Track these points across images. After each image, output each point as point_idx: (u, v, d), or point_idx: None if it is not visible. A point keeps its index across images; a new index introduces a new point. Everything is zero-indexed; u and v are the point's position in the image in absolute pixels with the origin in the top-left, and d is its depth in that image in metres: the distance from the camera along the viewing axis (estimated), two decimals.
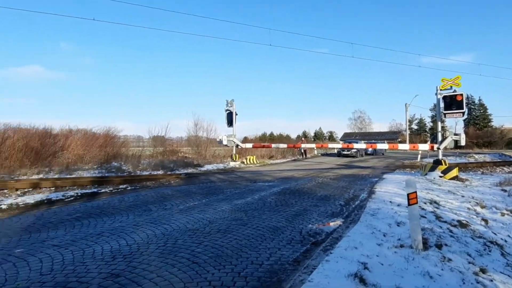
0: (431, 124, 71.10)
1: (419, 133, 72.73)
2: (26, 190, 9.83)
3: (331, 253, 4.28)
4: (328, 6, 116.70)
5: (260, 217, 6.40)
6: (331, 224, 5.99)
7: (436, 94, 13.75)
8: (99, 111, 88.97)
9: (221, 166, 18.18)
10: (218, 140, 20.75)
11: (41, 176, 12.93)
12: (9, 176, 12.30)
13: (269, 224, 5.88)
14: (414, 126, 76.57)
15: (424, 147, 16.92)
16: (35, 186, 10.24)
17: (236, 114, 19.98)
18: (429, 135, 66.72)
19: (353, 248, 4.44)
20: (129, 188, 10.28)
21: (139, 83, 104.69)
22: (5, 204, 7.82)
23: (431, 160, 14.85)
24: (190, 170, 15.35)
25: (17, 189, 9.83)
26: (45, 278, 3.65)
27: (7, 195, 9.00)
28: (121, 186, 10.50)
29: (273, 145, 22.13)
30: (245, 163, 20.19)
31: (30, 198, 8.49)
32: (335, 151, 33.32)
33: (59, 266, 3.99)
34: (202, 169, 16.56)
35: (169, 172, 13.43)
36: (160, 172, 14.14)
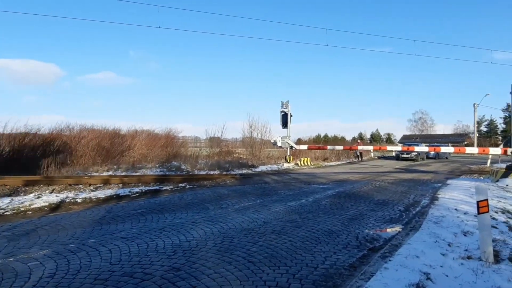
0: (504, 126, 64.80)
1: (489, 136, 66.71)
2: (98, 185, 10.75)
3: (390, 260, 4.13)
4: (387, 2, 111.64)
5: (314, 219, 6.36)
6: (389, 230, 5.77)
7: (510, 92, 12.55)
8: (162, 112, 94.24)
9: (275, 167, 18.29)
10: (272, 141, 20.89)
11: (110, 173, 14.07)
12: (84, 172, 13.55)
13: (324, 227, 5.81)
14: (484, 128, 70.40)
15: (495, 151, 15.52)
16: (106, 182, 11.17)
17: (291, 116, 19.94)
18: (501, 138, 60.87)
19: (415, 256, 4.24)
20: (187, 186, 10.77)
21: (199, 86, 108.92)
22: (80, 198, 8.64)
23: (504, 165, 13.57)
24: (244, 171, 15.66)
25: (90, 185, 10.80)
26: (114, 267, 3.98)
27: (81, 190, 9.92)
28: (180, 185, 11.04)
29: (328, 147, 21.76)
30: (299, 165, 20.08)
31: (101, 193, 9.29)
32: (394, 154, 31.82)
33: (126, 257, 4.33)
34: (257, 170, 16.81)
35: (224, 172, 13.86)
36: (216, 172, 14.63)
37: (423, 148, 20.90)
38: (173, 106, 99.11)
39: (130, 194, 9.32)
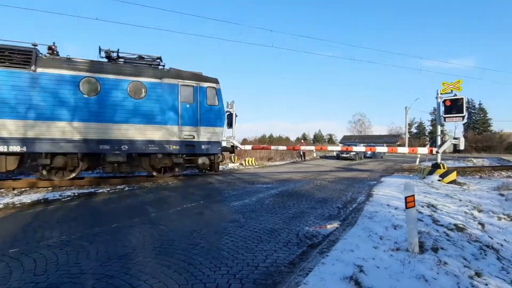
0: (431, 128, 71.23)
1: (419, 136, 72.90)
2: (23, 189, 9.82)
3: (327, 255, 4.28)
4: (329, 9, 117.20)
5: (257, 219, 6.40)
6: (328, 226, 5.99)
7: (436, 97, 13.75)
8: None
9: (219, 167, 18.14)
10: None
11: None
12: (7, 175, 12.29)
13: (266, 226, 5.87)
14: (414, 130, 76.77)
15: (423, 150, 16.94)
16: (33, 185, 10.27)
17: (236, 116, 19.96)
18: (428, 138, 66.79)
19: (350, 251, 4.44)
20: (126, 188, 10.24)
21: None
22: (1, 204, 7.82)
23: (430, 163, 14.86)
24: (187, 171, 15.33)
25: (14, 189, 9.86)
26: (38, 279, 3.64)
27: (3, 195, 8.99)
28: (118, 187, 10.46)
29: (272, 147, 22.06)
30: (244, 165, 20.22)
31: (27, 198, 8.49)
32: (334, 153, 33.42)
33: (53, 266, 3.98)
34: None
35: (167, 173, 13.41)
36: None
37: (360, 148, 22.23)
38: None
39: (61, 198, 8.62)
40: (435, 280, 3.63)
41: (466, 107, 14.20)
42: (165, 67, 12.72)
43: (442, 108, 13.50)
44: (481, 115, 69.83)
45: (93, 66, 11.21)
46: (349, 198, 8.61)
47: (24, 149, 10.15)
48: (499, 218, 7.34)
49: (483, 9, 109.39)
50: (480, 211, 7.83)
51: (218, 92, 13.16)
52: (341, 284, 3.49)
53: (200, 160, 12.98)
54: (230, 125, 19.85)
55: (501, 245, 5.50)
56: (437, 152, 14.09)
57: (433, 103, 14.04)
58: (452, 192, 10.02)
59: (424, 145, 18.18)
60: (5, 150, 9.92)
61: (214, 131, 13.04)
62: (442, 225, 6.14)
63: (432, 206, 7.75)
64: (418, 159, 25.42)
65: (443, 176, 12.65)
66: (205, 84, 12.95)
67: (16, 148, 10.05)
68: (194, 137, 12.58)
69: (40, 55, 10.75)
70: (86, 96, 10.94)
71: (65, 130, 10.65)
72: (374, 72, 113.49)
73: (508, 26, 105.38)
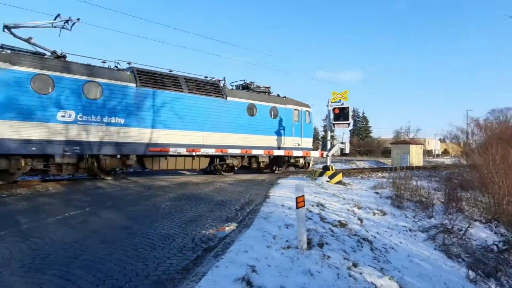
0: (323, 133, 78.26)
1: (313, 141, 79.28)
2: None
3: (221, 258, 4.26)
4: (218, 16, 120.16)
5: (151, 224, 6.05)
6: (226, 229, 6.00)
7: (327, 105, 15.13)
8: None
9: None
10: None
11: None
12: None
13: (160, 232, 5.59)
14: None
15: (315, 154, 18.47)
16: None
17: None
18: (320, 143, 73.21)
19: (244, 252, 4.49)
20: None
21: None
22: None
23: (321, 166, 16.24)
24: (69, 175, 13.77)
25: None
26: None
27: None
28: None
29: (170, 150, 21.44)
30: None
31: None
32: None
33: None
34: None
35: (47, 178, 11.83)
36: (36, 177, 12.31)
37: (259, 151, 23.14)
38: None
39: None
40: (319, 273, 3.91)
41: (352, 115, 15.98)
42: (274, 93, 17.89)
43: (332, 116, 14.92)
44: (364, 123, 79.53)
45: (252, 96, 16.28)
46: (247, 200, 8.81)
47: (218, 153, 14.57)
48: (374, 214, 8.38)
49: (368, 29, 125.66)
50: (359, 208, 8.82)
51: (310, 113, 18.95)
52: (234, 285, 3.50)
53: (301, 160, 18.71)
54: None
55: (374, 237, 6.27)
56: (327, 155, 15.48)
57: (326, 111, 15.46)
58: (338, 192, 11.09)
59: (317, 149, 20.09)
60: (208, 153, 14.16)
61: (308, 140, 18.79)
62: (328, 222, 6.71)
63: (321, 205, 8.43)
64: (311, 162, 27.64)
65: (331, 177, 13.91)
66: (305, 109, 18.53)
67: (211, 151, 14.18)
68: (299, 144, 17.93)
69: (227, 88, 15.61)
70: (251, 116, 15.80)
71: (236, 139, 15.20)
72: (276, 79, 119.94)
73: (390, 46, 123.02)
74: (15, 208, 7.23)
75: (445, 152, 66.43)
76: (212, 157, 14.84)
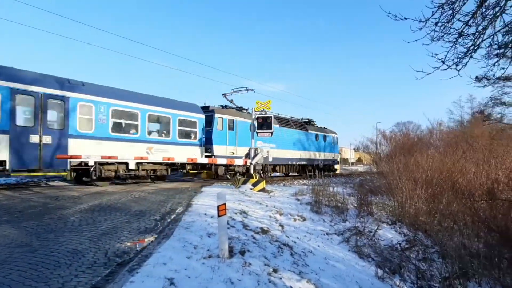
0: None
1: None
2: None
3: (137, 272, 3.97)
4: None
5: (57, 240, 5.41)
6: (145, 241, 5.64)
7: (252, 114, 15.41)
8: None
9: (12, 180, 14.75)
10: None
11: None
12: None
13: (67, 248, 5.02)
14: None
15: (239, 162, 18.62)
16: None
17: None
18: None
19: (162, 264, 4.26)
20: None
21: None
22: None
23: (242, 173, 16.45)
24: None
25: None
26: None
27: None
28: None
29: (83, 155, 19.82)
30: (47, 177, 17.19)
31: None
32: None
33: None
34: None
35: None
36: None
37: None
38: None
39: None
40: (240, 281, 3.86)
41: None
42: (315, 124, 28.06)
43: (255, 124, 15.22)
44: None
45: (319, 129, 27.91)
46: (168, 209, 8.44)
47: (303, 163, 24.50)
48: (295, 219, 8.67)
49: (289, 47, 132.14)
50: (281, 214, 9.06)
51: (337, 138, 30.69)
52: None
53: (334, 167, 30.03)
54: None
55: (295, 242, 6.46)
56: (251, 163, 15.71)
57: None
58: (261, 199, 11.27)
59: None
60: (298, 163, 24.18)
61: (336, 155, 30.42)
62: (251, 229, 6.73)
63: (244, 212, 8.46)
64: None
65: (254, 185, 14.11)
66: (336, 135, 30.35)
67: (300, 163, 24.11)
68: (333, 157, 29.60)
69: (308, 125, 26.34)
70: (316, 141, 26.57)
71: (311, 154, 25.85)
72: (195, 84, 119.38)
73: (311, 60, 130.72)
74: None
75: (359, 161, 72.56)
76: (303, 166, 24.88)
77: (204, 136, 16.90)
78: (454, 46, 5.31)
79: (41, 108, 10.95)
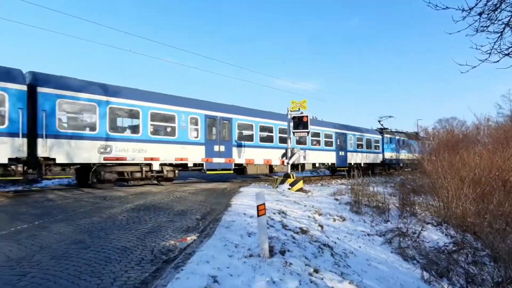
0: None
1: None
2: None
3: (182, 269, 4.13)
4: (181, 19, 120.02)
5: (107, 237, 5.75)
6: (188, 239, 5.85)
7: (287, 114, 15.39)
8: None
9: (65, 181, 15.82)
10: None
11: None
12: None
13: (117, 245, 5.32)
14: None
15: (276, 162, 18.65)
16: None
17: None
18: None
19: (205, 262, 4.40)
20: None
21: None
22: None
23: (282, 174, 16.43)
24: (20, 187, 12.86)
25: None
26: None
27: None
28: None
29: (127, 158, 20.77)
30: None
31: None
32: None
33: None
34: (38, 185, 14.09)
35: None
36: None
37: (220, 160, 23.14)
38: None
39: None
40: (281, 281, 3.90)
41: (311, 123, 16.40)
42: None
43: (291, 124, 15.19)
44: None
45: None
46: (208, 209, 8.67)
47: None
48: (334, 220, 8.57)
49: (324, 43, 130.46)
50: (320, 214, 8.99)
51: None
52: None
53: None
54: None
55: (335, 242, 6.40)
56: (288, 163, 15.69)
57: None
58: (299, 199, 11.24)
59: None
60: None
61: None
62: (290, 229, 6.75)
63: (283, 212, 8.50)
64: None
65: (292, 185, 14.10)
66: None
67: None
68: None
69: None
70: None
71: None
72: (229, 86, 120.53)
73: (345, 57, 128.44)
74: None
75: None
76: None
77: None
78: (500, 37, 4.99)
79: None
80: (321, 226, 7.66)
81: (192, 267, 4.20)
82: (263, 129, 18.70)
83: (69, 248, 5.11)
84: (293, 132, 15.19)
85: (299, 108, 15.17)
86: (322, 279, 4.17)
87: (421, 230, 8.05)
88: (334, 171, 25.72)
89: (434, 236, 8.18)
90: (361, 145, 26.64)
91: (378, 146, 28.94)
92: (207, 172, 15.73)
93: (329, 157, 22.82)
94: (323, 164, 22.89)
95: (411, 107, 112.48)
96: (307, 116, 14.88)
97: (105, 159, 11.77)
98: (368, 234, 7.90)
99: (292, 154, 15.76)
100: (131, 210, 8.10)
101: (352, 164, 23.75)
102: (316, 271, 4.38)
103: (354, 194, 11.68)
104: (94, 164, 11.71)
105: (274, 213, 8.13)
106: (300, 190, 13.91)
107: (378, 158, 28.95)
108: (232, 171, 17.27)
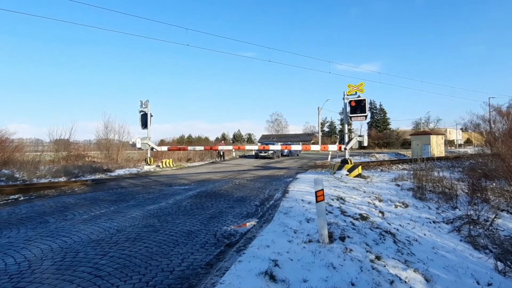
0: (340, 126, 77.30)
1: (330, 135, 78.53)
2: None
3: (244, 253, 4.30)
4: (243, 9, 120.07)
5: (173, 222, 6.17)
6: (247, 224, 6.05)
7: (343, 98, 14.91)
8: None
9: (134, 170, 17.11)
10: (131, 143, 19.62)
11: None
12: None
13: (183, 229, 5.69)
14: (326, 129, 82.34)
15: (333, 148, 18.28)
16: None
17: (152, 116, 19.13)
18: (338, 136, 72.35)
19: (266, 246, 4.53)
20: (22, 198, 9.04)
21: (42, 79, 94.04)
22: None
23: (339, 159, 16.10)
24: (98, 176, 14.17)
25: None
26: None
27: None
28: (12, 197, 9.17)
29: (189, 148, 21.75)
30: (161, 166, 19.41)
31: None
32: (253, 153, 34.10)
33: None
34: (113, 174, 15.42)
35: (73, 179, 12.24)
36: (63, 179, 12.80)
37: (277, 147, 23.08)
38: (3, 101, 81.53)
39: None
40: (342, 266, 3.90)
41: (369, 107, 15.73)
42: None
43: (348, 109, 14.71)
44: (382, 115, 78.16)
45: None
46: (266, 196, 8.84)
47: None
48: (396, 206, 8.25)
49: (387, 20, 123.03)
50: (380, 200, 8.71)
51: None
52: (257, 279, 3.53)
53: None
54: (145, 125, 18.97)
55: (397, 229, 6.18)
56: (345, 148, 15.32)
57: (342, 104, 15.16)
58: (358, 185, 10.97)
59: (335, 143, 20.05)
60: None
61: None
62: (349, 216, 6.65)
63: (341, 198, 8.37)
64: (330, 156, 27.29)
65: (350, 170, 13.78)
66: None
67: None
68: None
69: None
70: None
71: None
72: (288, 74, 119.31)
73: (406, 37, 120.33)
74: (43, 208, 7.50)
75: (468, 142, 64.54)
76: None
77: None
78: None
79: None
80: (382, 213, 7.43)
81: (253, 251, 4.35)
82: None
83: (141, 231, 5.57)
84: (351, 117, 14.71)
85: (356, 92, 14.62)
86: (385, 266, 4.08)
87: (495, 217, 7.43)
88: None
89: (510, 225, 7.52)
90: None
91: None
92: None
93: None
94: None
95: (481, 85, 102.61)
96: (364, 100, 14.30)
97: None
98: (434, 222, 7.49)
99: (350, 139, 15.34)
100: (194, 197, 8.55)
101: None
102: (378, 258, 4.30)
103: (417, 180, 11.09)
104: None
105: (332, 199, 8.04)
106: (359, 176, 13.54)
107: None
108: None
